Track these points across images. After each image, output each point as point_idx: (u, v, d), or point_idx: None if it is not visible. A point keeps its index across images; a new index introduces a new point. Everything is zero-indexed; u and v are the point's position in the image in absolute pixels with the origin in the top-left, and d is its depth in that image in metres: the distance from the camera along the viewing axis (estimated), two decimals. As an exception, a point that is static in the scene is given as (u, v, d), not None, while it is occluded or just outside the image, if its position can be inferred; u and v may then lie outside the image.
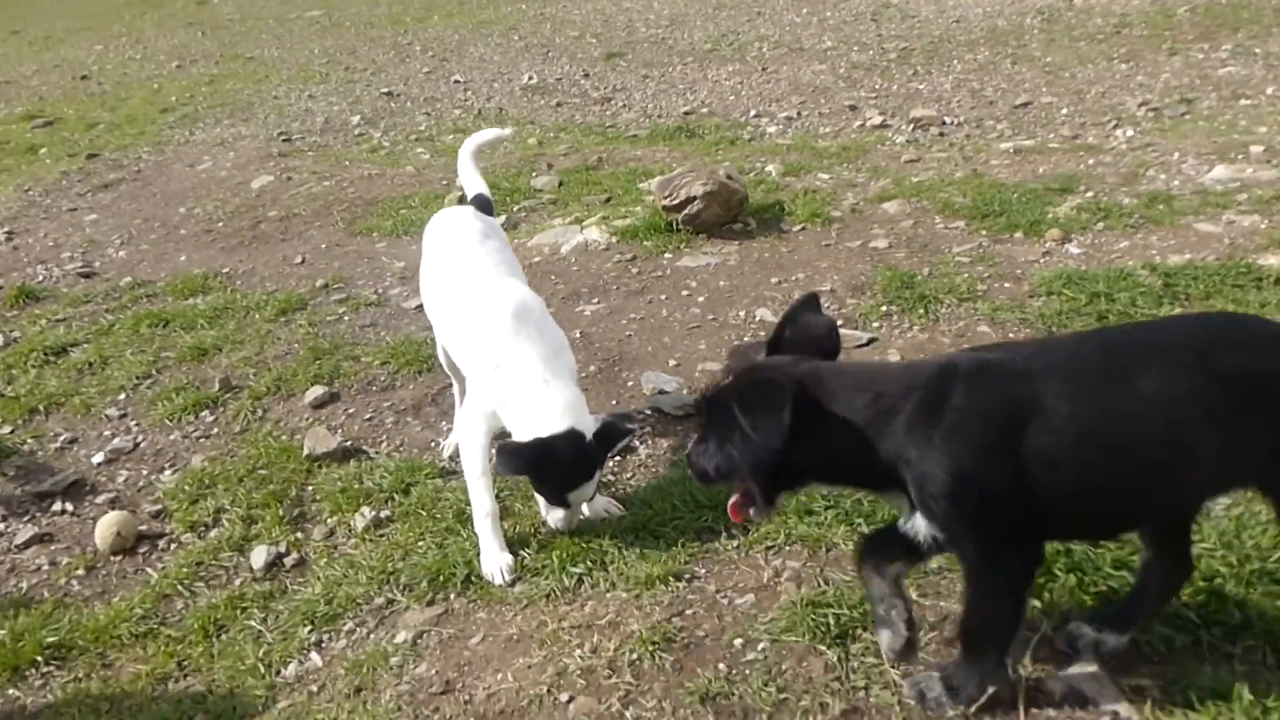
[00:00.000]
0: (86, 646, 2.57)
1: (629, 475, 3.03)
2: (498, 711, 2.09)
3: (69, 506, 3.27)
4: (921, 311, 3.79)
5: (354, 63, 11.21)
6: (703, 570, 2.47)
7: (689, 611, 2.29)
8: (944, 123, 6.99)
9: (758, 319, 3.94)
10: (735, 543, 2.56)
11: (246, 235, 5.72)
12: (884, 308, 3.88)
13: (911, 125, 7.02)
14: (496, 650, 2.30)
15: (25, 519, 3.22)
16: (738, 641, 2.16)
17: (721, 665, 2.09)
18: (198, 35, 15.04)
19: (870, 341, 3.67)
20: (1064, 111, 6.85)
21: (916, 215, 4.84)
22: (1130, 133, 6.05)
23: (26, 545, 3.09)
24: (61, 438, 3.68)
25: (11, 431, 3.77)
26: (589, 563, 2.54)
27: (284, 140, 7.95)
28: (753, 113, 7.70)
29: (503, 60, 10.56)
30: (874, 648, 2.03)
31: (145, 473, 3.42)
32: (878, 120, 7.20)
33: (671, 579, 2.40)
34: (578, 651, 2.19)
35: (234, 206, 6.26)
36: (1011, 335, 3.59)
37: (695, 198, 4.68)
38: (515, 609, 2.45)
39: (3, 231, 6.29)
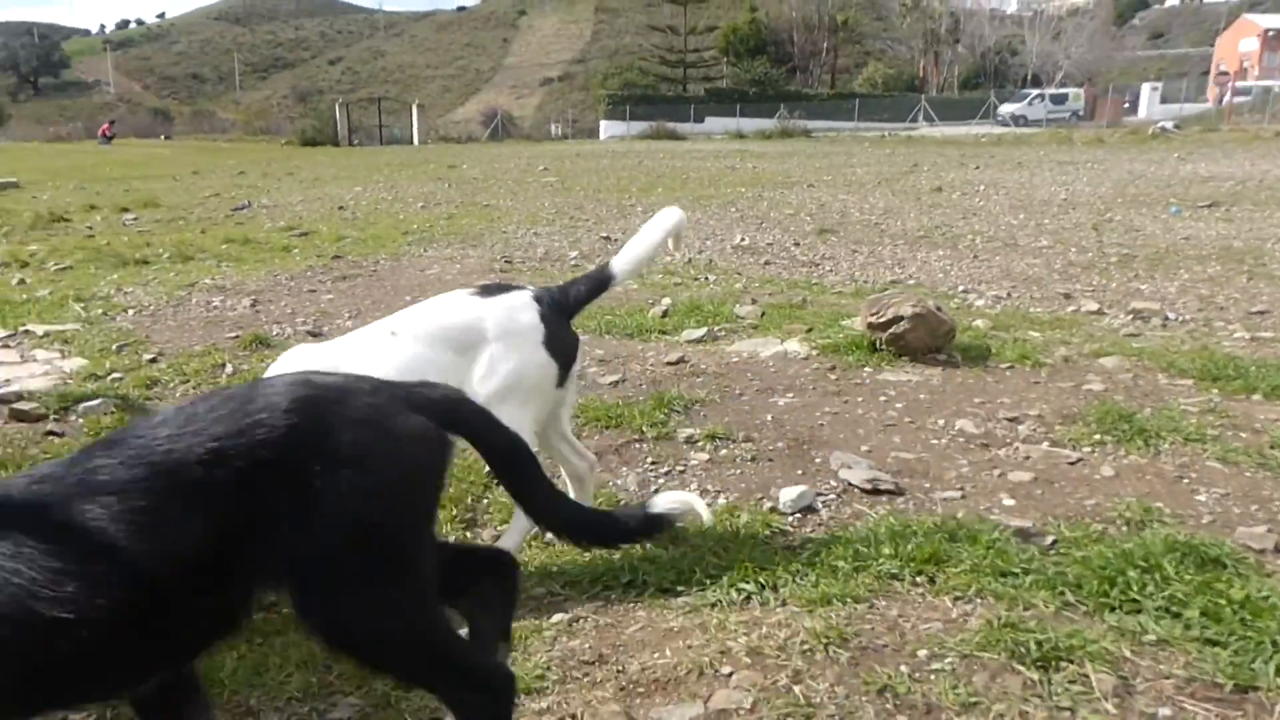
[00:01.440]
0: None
1: (809, 530, 2.87)
2: (652, 680, 1.95)
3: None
4: (1140, 443, 3.51)
5: (578, 215, 12.02)
6: (883, 602, 2.27)
7: (866, 626, 2.10)
8: (1167, 317, 6.68)
9: (957, 428, 3.75)
10: (920, 589, 2.35)
11: (460, 321, 6.06)
12: (1097, 435, 3.62)
13: (1131, 315, 6.73)
14: (654, 638, 2.18)
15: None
16: (922, 652, 1.95)
17: (904, 667, 1.88)
18: (444, 186, 16.65)
19: (1079, 460, 3.41)
20: (1310, 319, 6.40)
21: (1137, 371, 4.57)
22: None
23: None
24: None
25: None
26: (759, 582, 2.39)
27: (506, 262, 8.50)
28: (960, 288, 7.62)
29: (718, 225, 11.04)
30: (1082, 679, 1.78)
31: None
32: (1093, 308, 6.95)
33: (850, 599, 2.22)
34: (743, 638, 2.04)
35: (453, 301, 6.67)
36: (1247, 477, 3.25)
37: (902, 318, 4.62)
38: (678, 612, 2.32)
39: (250, 299, 6.95)
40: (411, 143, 48.84)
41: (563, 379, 2.64)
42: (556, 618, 2.34)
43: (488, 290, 2.68)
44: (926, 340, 4.68)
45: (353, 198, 15.29)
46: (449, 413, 1.64)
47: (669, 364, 4.78)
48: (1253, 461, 3.34)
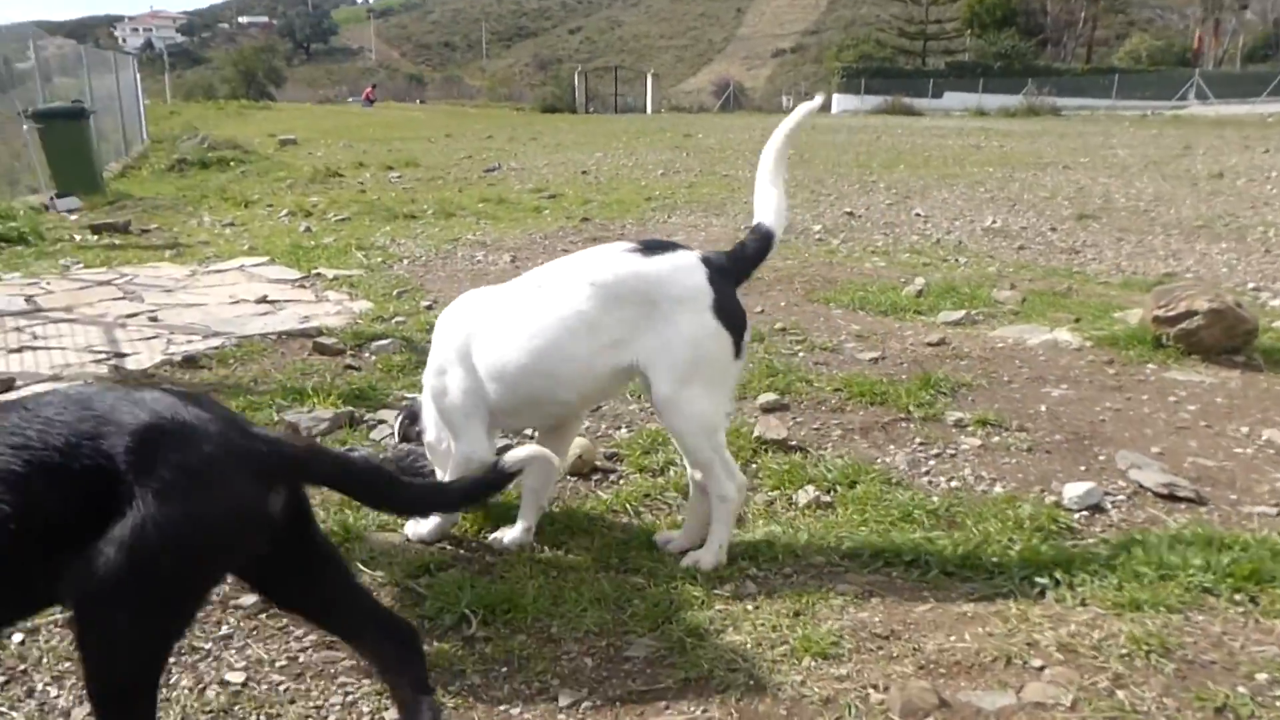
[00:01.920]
0: (543, 525, 2.75)
1: (1099, 530, 2.72)
2: (953, 662, 1.92)
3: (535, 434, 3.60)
4: None
5: (819, 189, 11.84)
6: (1199, 616, 2.12)
7: (1188, 639, 1.97)
8: None
9: (1264, 439, 3.43)
10: (1242, 609, 2.18)
11: (710, 288, 6.13)
12: None
13: None
14: (947, 620, 2.14)
15: (501, 435, 3.58)
16: (1261, 676, 1.81)
17: (1242, 689, 1.75)
18: (682, 155, 16.84)
19: None
20: None
21: None
22: None
23: (501, 452, 3.42)
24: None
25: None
26: (1054, 578, 2.29)
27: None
28: (1250, 285, 6.93)
29: (965, 205, 10.57)
30: None
31: (604, 427, 3.67)
32: None
33: (1162, 608, 2.09)
34: (1050, 633, 1.96)
35: (700, 268, 6.76)
36: None
37: (1196, 313, 4.26)
38: (966, 597, 2.27)
39: (509, 254, 7.32)
40: (645, 111, 49.65)
41: (738, 349, 2.41)
42: (841, 587, 2.34)
43: (649, 247, 2.44)
44: (1221, 339, 4.30)
45: (594, 163, 15.74)
46: (298, 470, 1.62)
47: (929, 345, 4.64)
48: None
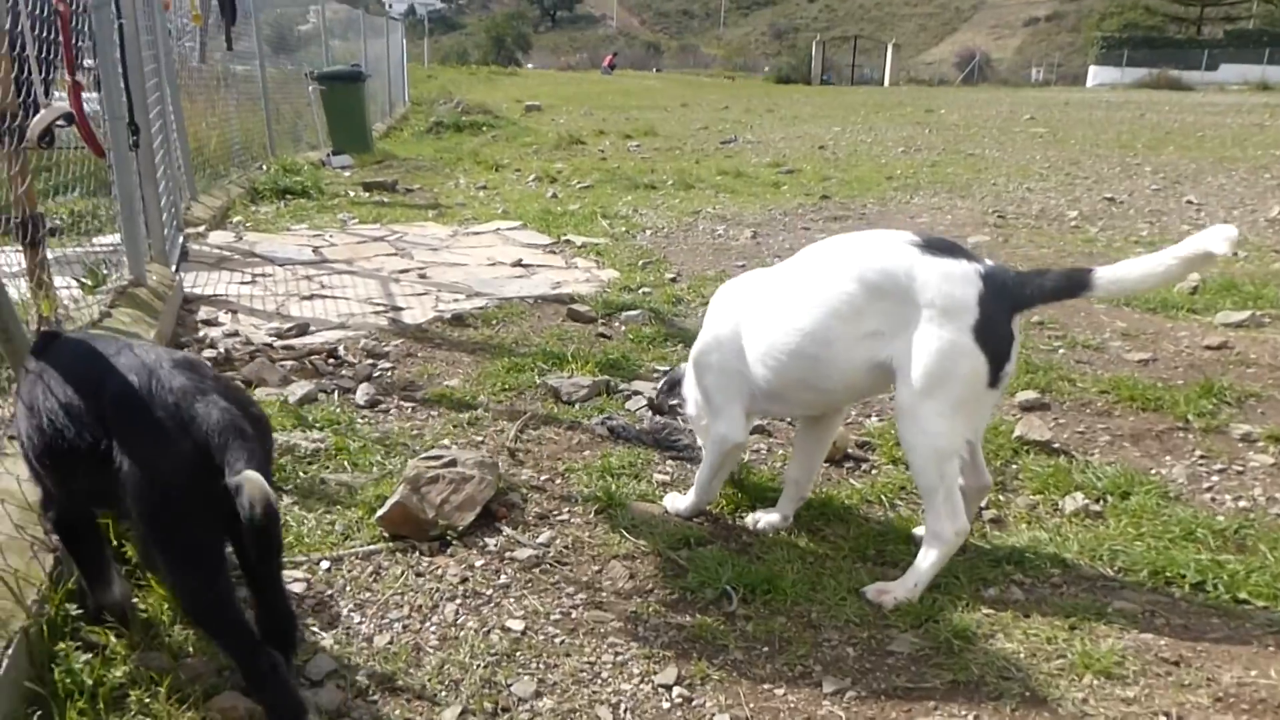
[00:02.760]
0: (800, 511, 2.76)
1: None
2: (1256, 700, 1.79)
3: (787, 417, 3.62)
4: None
5: (1075, 171, 11.09)
6: None
7: None
8: None
9: None
10: None
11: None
12: None
13: None
14: (1243, 651, 2.02)
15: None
16: None
17: None
18: (924, 131, 16.23)
19: None
20: None
21: None
22: None
23: (750, 433, 3.46)
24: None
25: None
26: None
27: (998, 216, 8.11)
28: None
29: (1246, 193, 9.59)
30: None
31: (855, 414, 3.63)
32: None
33: None
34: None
35: (947, 252, 6.52)
36: None
37: None
38: (1265, 629, 2.10)
39: (750, 230, 7.34)
40: (882, 83, 48.12)
41: (995, 378, 2.20)
42: (1119, 604, 2.22)
43: (930, 245, 2.26)
44: None
45: (831, 138, 15.46)
46: (219, 445, 1.68)
47: (1208, 348, 4.28)
48: None
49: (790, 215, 8.14)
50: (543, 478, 2.95)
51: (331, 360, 4.06)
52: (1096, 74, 51.16)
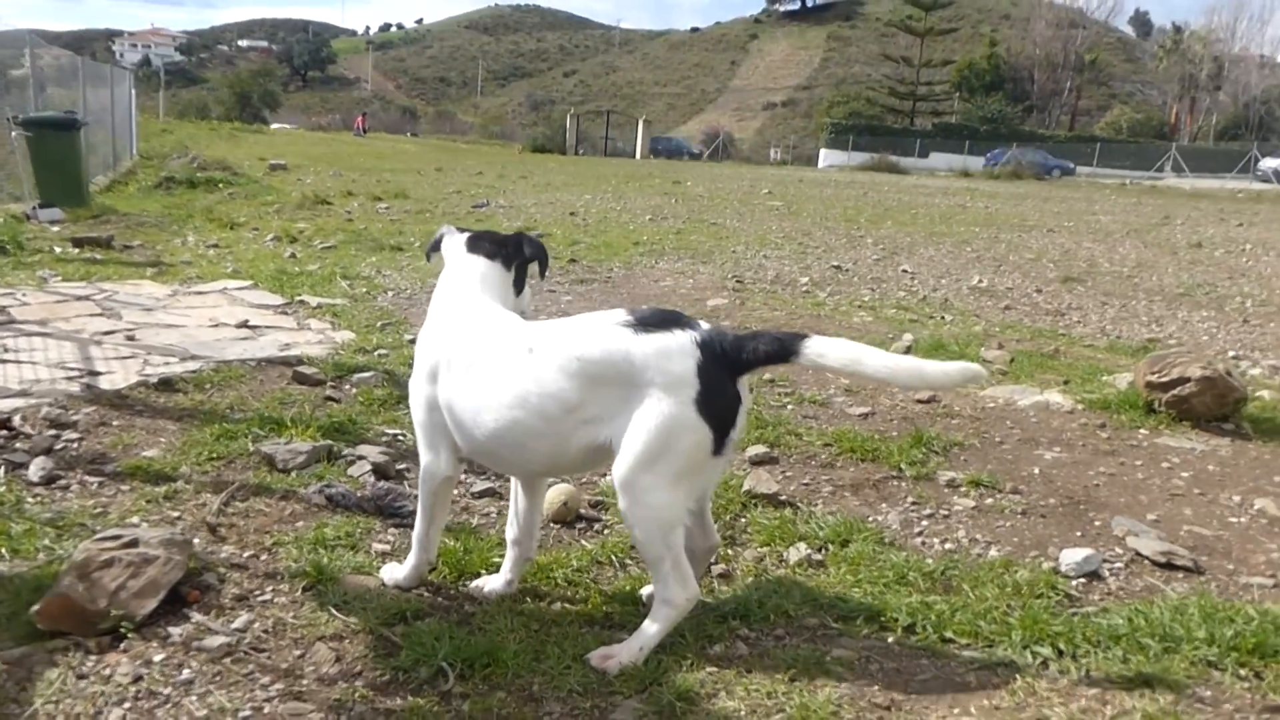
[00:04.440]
0: (524, 577, 2.64)
1: (1096, 598, 2.65)
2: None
3: (520, 480, 3.49)
4: None
5: (807, 241, 11.88)
6: (1206, 692, 2.05)
7: (1199, 718, 1.90)
8: None
9: (1257, 508, 3.39)
10: (1247, 684, 2.12)
11: (698, 334, 6.08)
12: None
13: None
14: (949, 690, 2.06)
15: (483, 476, 3.47)
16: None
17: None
18: (671, 201, 16.90)
19: None
20: None
21: None
22: None
23: (480, 495, 3.31)
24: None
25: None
26: (1056, 648, 2.22)
27: (737, 281, 8.49)
28: (1231, 353, 6.96)
29: (952, 264, 10.62)
30: None
31: (590, 473, 3.58)
32: (1402, 392, 6.17)
33: (1170, 684, 2.02)
34: (1060, 708, 1.89)
35: (692, 314, 6.70)
36: None
37: (1188, 379, 4.24)
38: (968, 667, 2.18)
39: (498, 292, 7.24)
40: (634, 156, 50.03)
41: (719, 446, 2.17)
42: (837, 652, 2.24)
43: (644, 322, 2.21)
44: (1213, 407, 4.28)
45: (582, 205, 15.76)
46: None
47: (920, 402, 4.59)
48: None
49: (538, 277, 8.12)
50: (246, 554, 2.66)
51: (3, 432, 3.54)
52: (827, 156, 55.78)
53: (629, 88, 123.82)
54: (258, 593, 2.45)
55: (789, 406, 4.45)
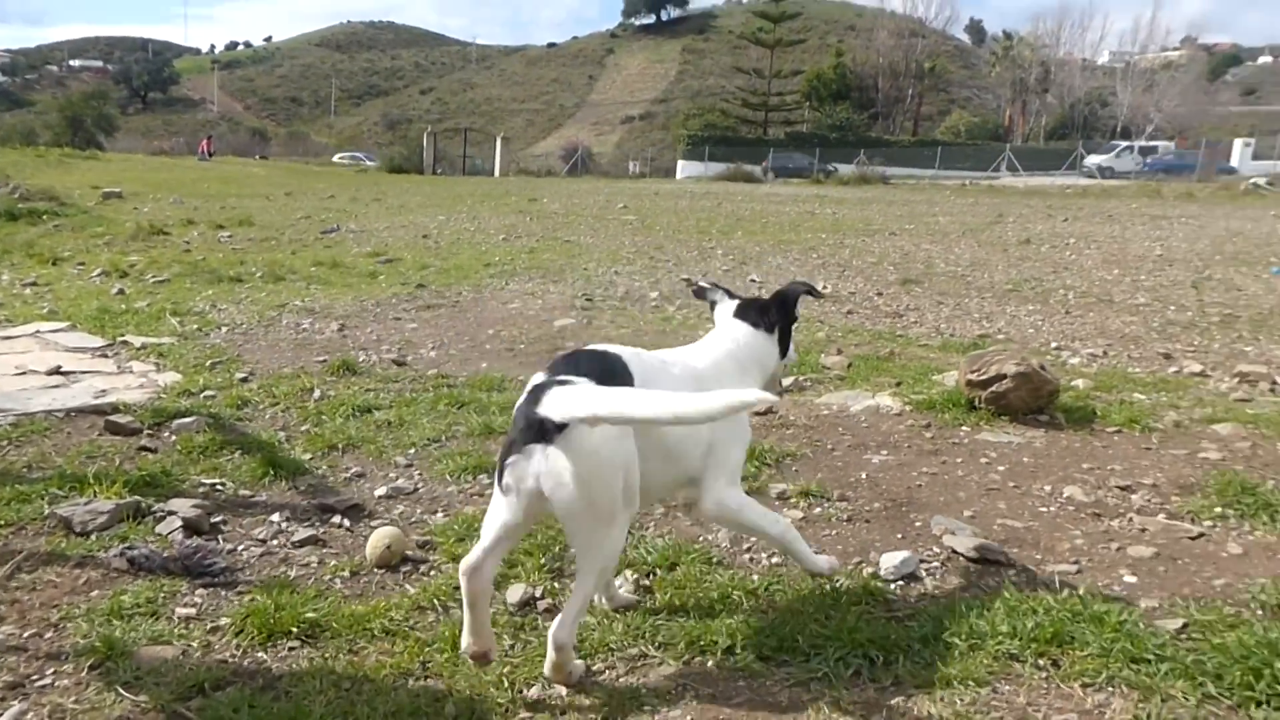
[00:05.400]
0: (339, 631, 2.53)
1: (915, 600, 2.73)
2: (759, 762, 1.82)
3: (346, 522, 3.37)
4: (1266, 519, 3.29)
5: (659, 255, 12.00)
6: (1006, 686, 2.13)
7: (995, 715, 1.96)
8: (1276, 382, 6.34)
9: (1066, 496, 3.57)
10: (1044, 674, 2.20)
11: (544, 355, 6.03)
12: (1219, 509, 3.41)
13: (1237, 379, 6.41)
14: (760, 712, 2.07)
15: (305, 523, 3.33)
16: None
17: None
18: (525, 219, 16.81)
19: (1200, 536, 3.20)
20: None
21: (1255, 440, 4.31)
22: None
23: (301, 544, 3.17)
24: (352, 470, 3.87)
25: (310, 459, 4.01)
26: (869, 657, 2.26)
27: (587, 299, 8.49)
28: (1054, 344, 7.36)
29: (799, 270, 10.91)
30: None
31: (420, 511, 3.49)
32: (1196, 369, 6.63)
33: (972, 681, 2.08)
34: (860, 722, 1.90)
35: (535, 335, 6.68)
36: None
37: (1005, 376, 4.45)
38: (782, 684, 2.20)
39: (338, 323, 7.02)
40: (493, 174, 49.69)
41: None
42: (654, 682, 2.23)
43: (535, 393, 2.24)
44: (1029, 400, 4.50)
45: (436, 226, 15.52)
46: None
47: (756, 414, 4.65)
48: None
49: (383, 305, 7.94)
50: (26, 634, 2.46)
51: None
52: (684, 168, 56.74)
53: (487, 104, 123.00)
54: (36, 677, 2.26)
55: (628, 426, 4.45)
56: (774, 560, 3.00)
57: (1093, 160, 51.31)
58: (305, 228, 15.01)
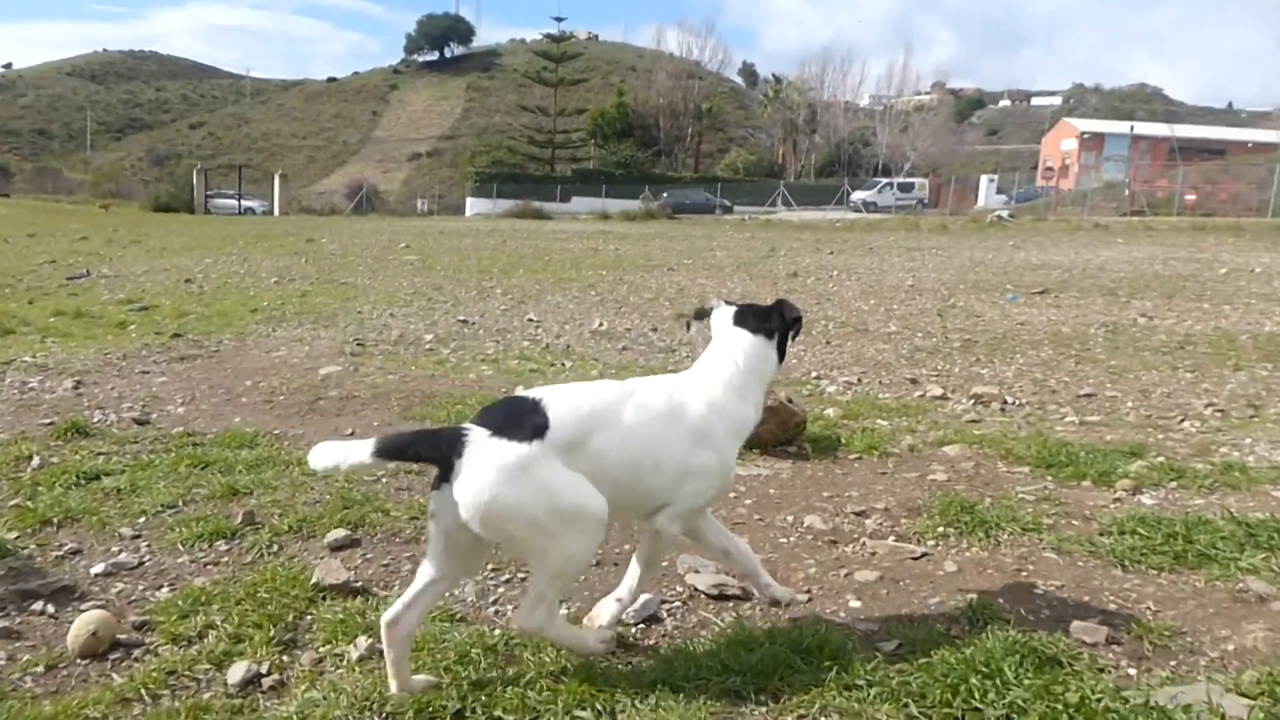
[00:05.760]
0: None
1: (652, 642, 2.76)
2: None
3: (50, 609, 3.05)
4: (981, 535, 3.58)
5: (437, 296, 11.81)
6: (727, 731, 2.17)
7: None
8: (1006, 401, 6.95)
9: (806, 525, 3.74)
10: (764, 708, 2.27)
11: (304, 408, 5.77)
12: (941, 529, 3.67)
13: (973, 400, 6.99)
14: (478, 781, 2.00)
15: (-1, 614, 3.01)
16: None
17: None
18: (301, 261, 16.15)
19: (923, 556, 3.43)
20: (1129, 404, 6.78)
21: (978, 459, 4.70)
22: (1198, 425, 5.93)
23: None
24: (65, 548, 3.53)
25: (16, 537, 3.62)
26: (596, 709, 2.26)
27: (358, 344, 8.22)
28: (814, 374, 7.78)
29: (577, 309, 11.03)
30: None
31: (142, 588, 3.22)
32: (938, 392, 7.19)
33: (689, 727, 2.12)
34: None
35: (297, 385, 6.38)
36: (1080, 567, 3.33)
37: (752, 411, 4.62)
38: (506, 747, 2.15)
39: (72, 381, 6.45)
40: (271, 212, 47.55)
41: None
42: (373, 759, 2.13)
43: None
44: (778, 433, 4.70)
45: (202, 270, 14.65)
46: None
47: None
48: (1084, 550, 3.43)
49: (130, 358, 7.36)
50: None
51: None
52: (473, 205, 56.49)
53: (264, 140, 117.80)
54: None
55: (383, 480, 4.31)
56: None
57: (858, 196, 55.20)
58: (48, 273, 13.80)
